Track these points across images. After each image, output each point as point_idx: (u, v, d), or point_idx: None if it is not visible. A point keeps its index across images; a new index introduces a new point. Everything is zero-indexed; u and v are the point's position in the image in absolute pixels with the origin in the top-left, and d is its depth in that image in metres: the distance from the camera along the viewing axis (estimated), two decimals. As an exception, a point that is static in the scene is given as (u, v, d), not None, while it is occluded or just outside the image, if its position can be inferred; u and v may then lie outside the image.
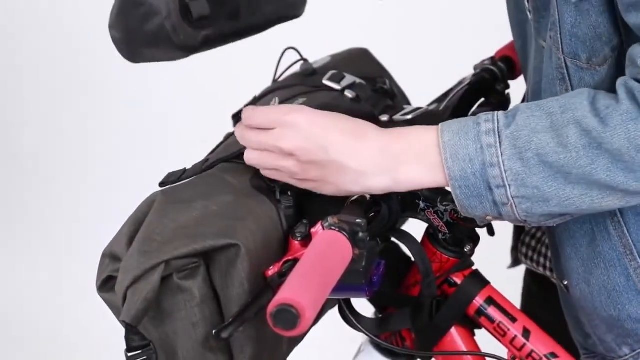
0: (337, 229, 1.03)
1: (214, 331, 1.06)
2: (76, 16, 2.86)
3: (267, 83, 1.41)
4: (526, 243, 1.43)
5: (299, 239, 1.12)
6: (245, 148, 1.15)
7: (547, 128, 1.04)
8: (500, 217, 1.09)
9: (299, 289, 0.93)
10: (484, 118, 1.07)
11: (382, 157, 1.09)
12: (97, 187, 2.98)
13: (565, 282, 1.22)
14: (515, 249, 1.45)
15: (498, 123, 1.06)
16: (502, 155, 1.05)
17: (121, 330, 1.05)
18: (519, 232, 1.44)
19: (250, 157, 1.14)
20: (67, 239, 2.95)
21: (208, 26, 1.14)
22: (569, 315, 1.27)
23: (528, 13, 1.17)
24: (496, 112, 1.07)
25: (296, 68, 1.40)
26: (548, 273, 1.38)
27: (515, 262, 1.48)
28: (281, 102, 1.31)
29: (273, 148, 1.11)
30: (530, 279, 1.52)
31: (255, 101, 1.38)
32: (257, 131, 1.13)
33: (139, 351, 1.06)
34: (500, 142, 1.05)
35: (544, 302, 1.41)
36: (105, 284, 1.11)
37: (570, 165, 1.03)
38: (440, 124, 1.09)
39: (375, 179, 1.09)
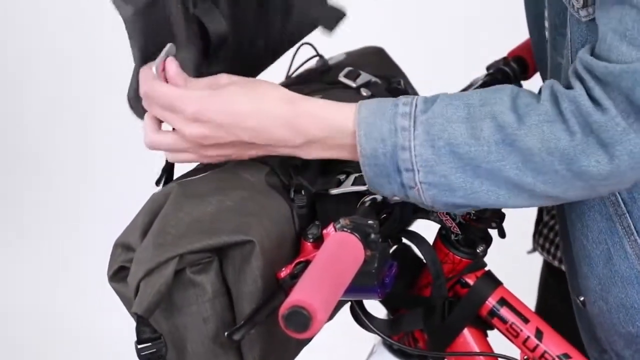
0: (349, 231, 1.02)
1: (226, 333, 1.06)
2: (77, 15, 2.86)
3: (280, 78, 1.40)
4: (543, 234, 1.43)
5: (311, 240, 1.11)
6: None
7: (463, 119, 1.04)
8: (407, 199, 1.08)
9: (311, 290, 0.93)
10: (402, 100, 1.07)
11: (291, 129, 1.09)
12: (98, 186, 2.97)
13: (582, 298, 1.22)
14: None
15: (415, 107, 1.06)
16: (414, 139, 1.04)
17: (121, 329, 1.05)
18: (538, 220, 1.44)
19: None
20: (68, 239, 2.95)
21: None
22: (584, 330, 1.26)
23: (545, 32, 1.17)
24: (416, 97, 1.07)
25: (311, 64, 1.40)
26: (563, 267, 1.38)
27: (536, 248, 1.48)
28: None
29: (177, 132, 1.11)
30: (547, 271, 1.52)
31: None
32: (159, 110, 1.11)
33: (149, 343, 1.06)
34: (414, 127, 1.05)
35: (561, 294, 1.40)
36: (117, 274, 1.11)
37: (480, 158, 1.03)
38: (360, 101, 1.08)
39: (286, 150, 1.10)
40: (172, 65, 1.11)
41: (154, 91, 1.10)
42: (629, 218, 1.13)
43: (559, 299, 1.41)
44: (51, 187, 2.99)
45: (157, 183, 1.19)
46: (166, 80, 1.11)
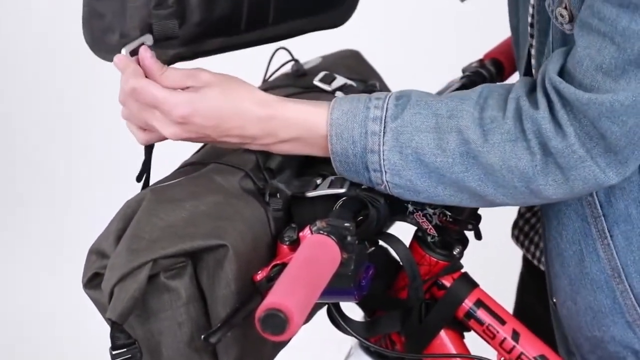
0: (325, 233, 1.02)
1: (202, 336, 1.06)
2: (77, 15, 2.85)
3: (257, 82, 1.40)
4: (519, 226, 1.43)
5: (287, 243, 1.12)
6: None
7: (431, 129, 1.08)
8: (374, 188, 1.13)
9: (287, 293, 0.93)
10: (374, 103, 1.10)
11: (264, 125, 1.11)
12: (89, 186, 2.97)
13: (554, 299, 1.23)
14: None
15: (386, 112, 1.09)
16: (383, 144, 1.09)
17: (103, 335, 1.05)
18: (518, 213, 1.45)
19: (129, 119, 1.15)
20: (60, 239, 2.94)
21: (180, 45, 1.14)
22: (558, 331, 1.27)
23: (529, 37, 1.18)
24: (388, 97, 1.10)
25: (287, 68, 1.40)
26: (540, 265, 1.38)
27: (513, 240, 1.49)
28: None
29: (154, 127, 1.13)
30: (526, 271, 1.52)
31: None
32: (140, 106, 1.12)
33: (124, 349, 1.06)
34: (384, 132, 1.09)
35: (539, 294, 1.41)
36: (92, 281, 1.11)
37: (445, 169, 1.07)
38: (334, 100, 1.12)
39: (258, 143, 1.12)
40: (147, 55, 1.12)
41: (142, 88, 1.11)
42: (603, 221, 1.14)
43: (536, 299, 1.42)
44: (48, 187, 2.98)
45: (138, 179, 1.18)
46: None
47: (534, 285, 1.48)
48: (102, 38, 1.13)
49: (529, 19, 1.17)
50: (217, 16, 1.17)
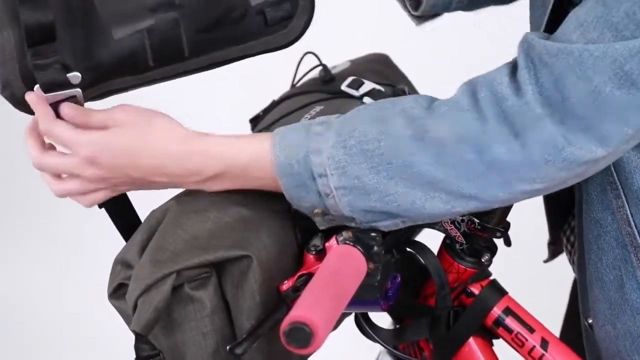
0: (351, 243, 1.02)
1: (228, 347, 1.05)
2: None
3: (285, 87, 1.40)
4: (567, 235, 1.40)
5: (313, 253, 1.11)
6: None
7: (375, 119, 1.04)
8: (328, 212, 1.07)
9: (313, 306, 0.93)
10: (321, 118, 1.08)
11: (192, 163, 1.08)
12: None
13: (590, 321, 1.21)
14: (552, 243, 1.43)
15: (330, 117, 1.07)
16: (327, 142, 1.04)
17: (126, 337, 1.05)
18: (555, 226, 1.43)
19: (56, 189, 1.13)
20: (71, 242, 2.96)
21: (82, 88, 1.11)
22: (590, 353, 1.25)
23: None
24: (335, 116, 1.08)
25: (315, 73, 1.39)
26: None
27: (553, 256, 1.47)
28: (299, 109, 1.31)
29: (74, 172, 1.11)
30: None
31: (274, 105, 1.37)
32: (55, 155, 1.12)
33: None
34: (327, 130, 1.05)
35: None
36: (117, 291, 1.11)
37: (391, 154, 1.02)
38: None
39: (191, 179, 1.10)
40: (66, 107, 1.10)
41: (51, 131, 1.10)
42: None
43: None
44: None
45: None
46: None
47: None
48: None
49: None
50: (111, 59, 1.12)
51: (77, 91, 1.10)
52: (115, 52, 1.12)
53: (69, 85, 1.09)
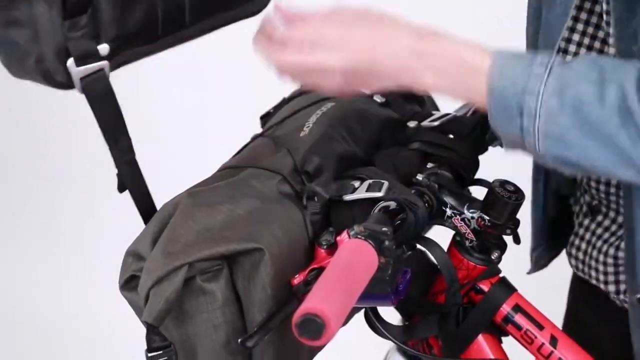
0: (362, 238, 1.02)
1: (239, 340, 1.06)
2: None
3: (295, 84, 1.40)
4: (575, 245, 1.40)
5: (325, 247, 1.11)
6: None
7: (594, 79, 1.03)
8: (522, 145, 1.08)
9: (325, 298, 0.93)
10: (542, 54, 1.07)
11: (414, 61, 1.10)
12: (106, 186, 2.98)
13: (639, 296, 1.21)
14: (533, 251, 1.43)
15: (554, 60, 1.06)
16: (544, 86, 1.04)
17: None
18: (541, 233, 1.43)
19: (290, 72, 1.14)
20: (71, 242, 2.96)
21: (102, 59, 1.11)
22: (636, 332, 1.25)
23: (605, 25, 1.17)
24: (555, 56, 1.08)
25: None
26: (579, 273, 1.37)
27: (535, 267, 1.47)
28: (309, 106, 1.31)
29: (315, 67, 1.11)
30: (575, 278, 1.51)
31: (285, 102, 1.38)
32: (292, 51, 1.12)
33: (160, 351, 1.07)
34: (548, 75, 1.05)
35: (591, 304, 1.40)
36: (128, 283, 1.11)
37: (601, 122, 1.03)
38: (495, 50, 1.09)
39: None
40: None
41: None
42: None
43: (589, 308, 1.41)
44: (58, 187, 2.99)
45: (120, 190, 1.17)
46: None
47: (586, 296, 1.46)
48: (19, 63, 1.10)
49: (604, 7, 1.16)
50: (132, 29, 1.13)
51: (105, 63, 1.10)
52: (137, 19, 1.12)
53: (99, 57, 1.09)
